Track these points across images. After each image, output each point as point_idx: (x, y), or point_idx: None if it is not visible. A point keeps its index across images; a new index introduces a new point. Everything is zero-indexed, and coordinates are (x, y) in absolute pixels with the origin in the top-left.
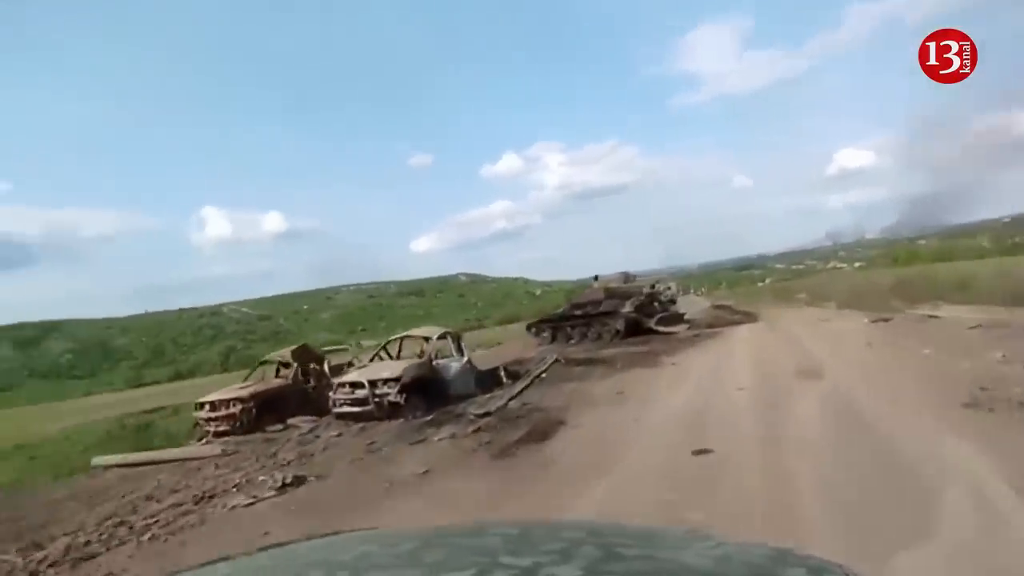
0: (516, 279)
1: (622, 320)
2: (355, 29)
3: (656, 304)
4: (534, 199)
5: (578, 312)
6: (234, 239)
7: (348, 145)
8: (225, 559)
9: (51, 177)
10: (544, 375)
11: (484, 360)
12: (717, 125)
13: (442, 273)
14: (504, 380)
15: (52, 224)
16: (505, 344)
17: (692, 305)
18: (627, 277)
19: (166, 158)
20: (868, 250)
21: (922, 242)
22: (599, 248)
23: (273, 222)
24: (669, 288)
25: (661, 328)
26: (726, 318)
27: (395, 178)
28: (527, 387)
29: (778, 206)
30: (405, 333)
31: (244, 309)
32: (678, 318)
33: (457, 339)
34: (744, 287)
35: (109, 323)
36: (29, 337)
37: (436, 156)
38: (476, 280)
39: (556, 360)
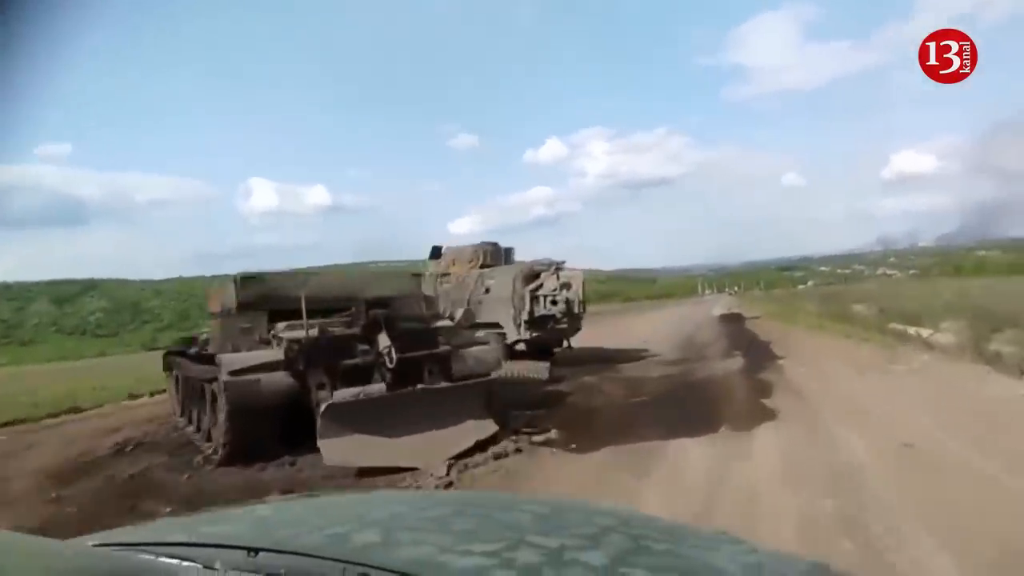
0: None
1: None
2: (405, 8)
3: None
4: (575, 186)
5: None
6: (279, 210)
7: (395, 124)
8: (262, 502)
9: (110, 141)
10: None
11: None
12: (771, 120)
13: None
14: None
15: (109, 186)
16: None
17: (707, 307)
18: (494, 252)
19: (219, 128)
20: (922, 258)
21: (981, 253)
22: (640, 240)
23: (318, 196)
24: (562, 288)
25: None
26: (698, 370)
27: (439, 158)
28: None
29: (827, 207)
30: None
31: None
32: (461, 393)
33: None
34: (783, 290)
35: (144, 285)
36: (68, 294)
37: (481, 137)
38: None
39: None
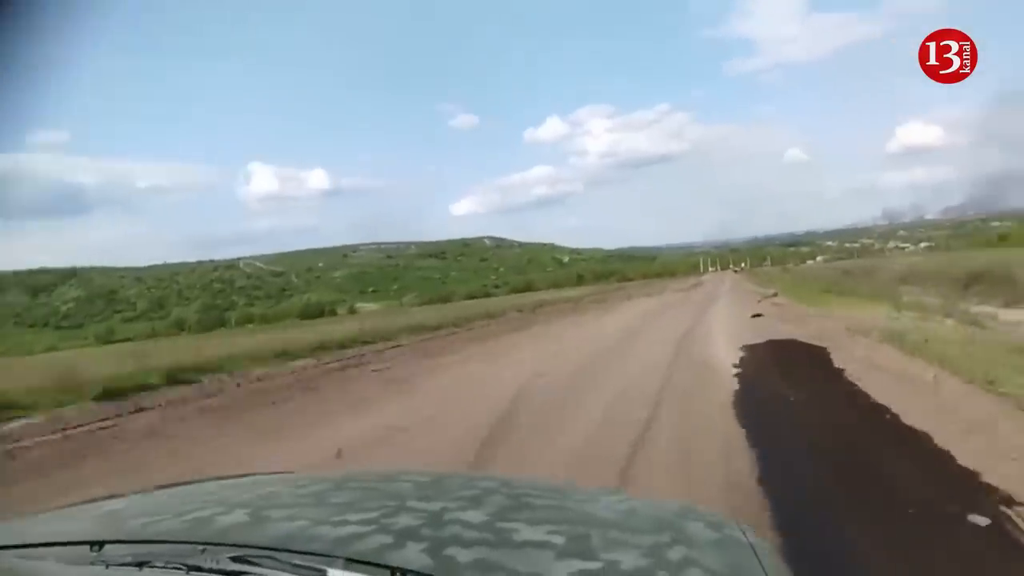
0: (544, 245)
1: None
2: None
3: None
4: (576, 165)
5: None
6: (279, 195)
7: (392, 104)
8: (113, 496)
9: (107, 128)
10: None
11: None
12: (775, 94)
13: (468, 235)
14: None
15: (109, 174)
16: None
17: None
18: None
19: (218, 112)
20: (930, 231)
21: (996, 224)
22: (642, 218)
23: (317, 179)
24: None
25: None
26: None
27: (438, 139)
28: None
29: (831, 182)
30: None
31: (258, 264)
32: None
33: None
34: (794, 265)
35: (127, 272)
36: (44, 283)
37: (480, 117)
38: (501, 244)
39: None
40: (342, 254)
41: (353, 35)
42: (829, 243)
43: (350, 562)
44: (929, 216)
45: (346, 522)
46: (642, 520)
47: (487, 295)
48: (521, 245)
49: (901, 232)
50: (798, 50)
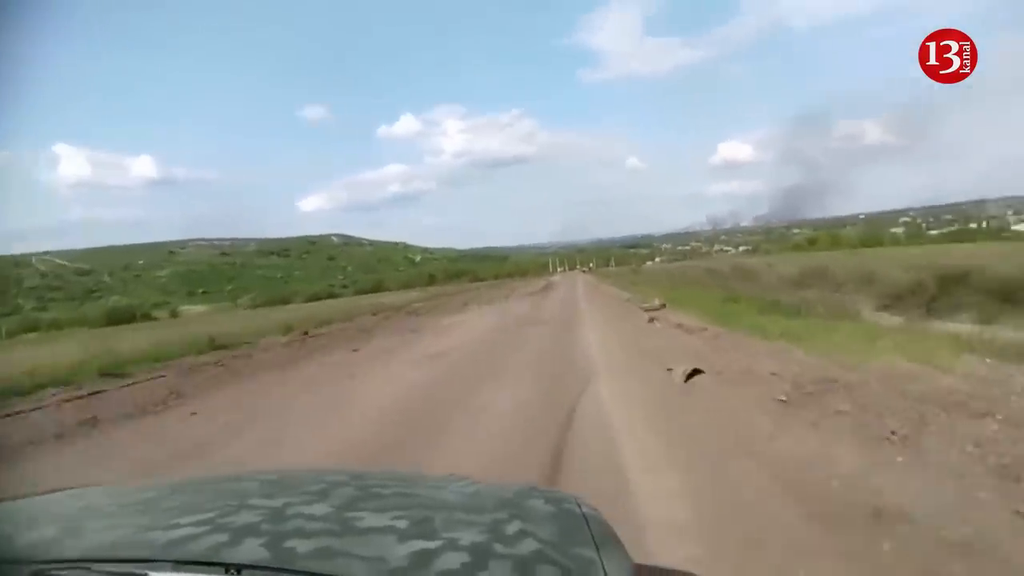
0: (396, 244)
1: None
2: None
3: None
4: (431, 164)
5: None
6: (96, 182)
7: (235, 89)
8: None
9: None
10: None
11: None
12: (618, 105)
13: (315, 233)
14: None
15: None
16: None
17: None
18: None
19: (10, 86)
20: (747, 236)
21: (796, 231)
22: (494, 218)
23: (143, 167)
24: None
25: None
26: None
27: (285, 129)
28: None
29: (666, 190)
30: None
31: (58, 260)
32: None
33: None
34: (637, 265)
35: None
36: None
37: (332, 108)
38: (350, 242)
39: None
40: (168, 251)
41: (192, 12)
42: (665, 246)
43: (179, 564)
44: (744, 223)
45: (178, 525)
46: (485, 501)
47: (332, 295)
48: (372, 243)
49: (723, 236)
50: (640, 66)
